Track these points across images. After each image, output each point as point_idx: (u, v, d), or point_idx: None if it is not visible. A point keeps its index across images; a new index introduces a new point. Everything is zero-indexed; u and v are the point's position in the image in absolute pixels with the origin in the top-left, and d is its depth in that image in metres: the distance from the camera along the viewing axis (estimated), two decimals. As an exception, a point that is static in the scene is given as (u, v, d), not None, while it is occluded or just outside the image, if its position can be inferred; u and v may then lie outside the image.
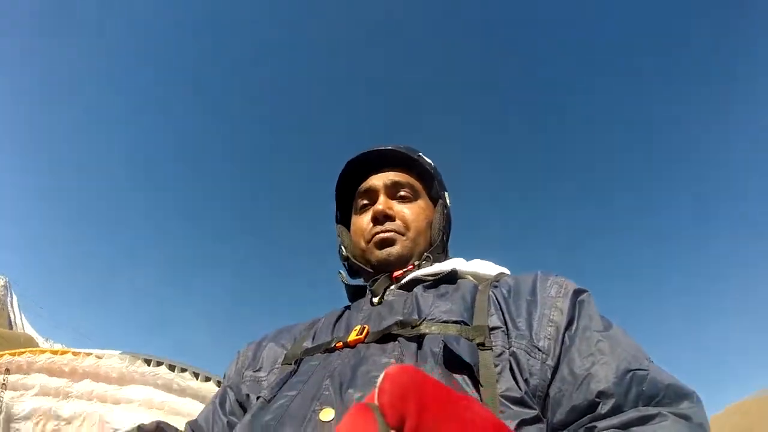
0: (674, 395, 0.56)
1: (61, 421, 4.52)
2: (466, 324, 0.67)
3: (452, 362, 0.60)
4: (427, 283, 0.80)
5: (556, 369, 0.62)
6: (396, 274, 0.83)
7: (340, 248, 0.95)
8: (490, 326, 0.66)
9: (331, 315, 0.85)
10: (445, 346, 0.61)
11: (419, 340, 0.65)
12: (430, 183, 0.95)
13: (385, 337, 0.68)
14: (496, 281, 0.77)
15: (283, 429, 0.58)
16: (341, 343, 0.70)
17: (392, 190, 0.90)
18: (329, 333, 0.78)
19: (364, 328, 0.71)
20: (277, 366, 0.79)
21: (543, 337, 0.64)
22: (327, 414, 0.57)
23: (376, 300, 0.80)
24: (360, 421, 0.29)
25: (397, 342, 0.66)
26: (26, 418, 4.38)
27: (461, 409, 0.31)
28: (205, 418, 0.82)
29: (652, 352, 0.64)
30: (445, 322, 0.67)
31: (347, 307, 0.86)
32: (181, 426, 0.82)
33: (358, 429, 0.29)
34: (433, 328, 0.66)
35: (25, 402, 4.45)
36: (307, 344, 0.78)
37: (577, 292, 0.70)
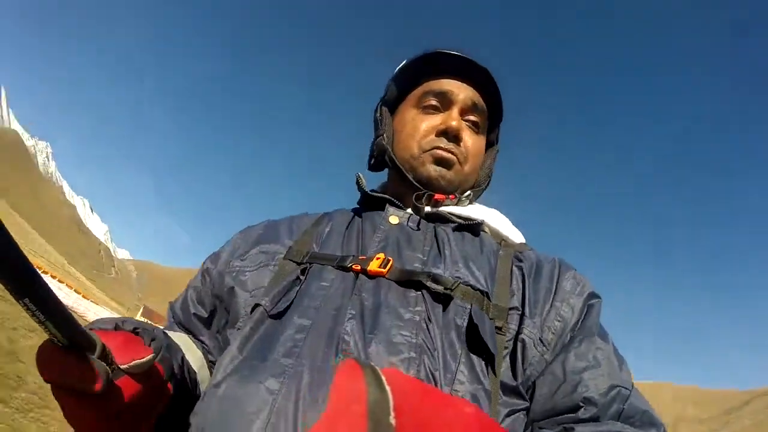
0: (647, 422, 0.58)
1: None
2: (488, 297, 0.64)
3: (475, 344, 0.59)
4: (453, 225, 0.76)
5: (549, 363, 0.62)
6: (438, 196, 0.78)
7: (382, 136, 0.83)
8: (509, 306, 0.64)
9: (340, 218, 0.79)
10: (471, 323, 0.59)
11: (445, 300, 0.62)
12: (496, 124, 0.88)
13: (409, 282, 0.63)
14: (519, 252, 0.74)
15: (301, 375, 0.53)
16: (359, 267, 0.64)
17: (468, 111, 0.82)
18: (339, 242, 0.72)
19: (388, 261, 0.65)
20: (273, 262, 0.72)
21: (549, 329, 0.64)
22: None
23: (386, 223, 0.73)
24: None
25: (421, 294, 0.62)
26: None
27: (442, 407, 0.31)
28: (181, 304, 0.78)
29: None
30: (470, 286, 0.64)
31: (358, 214, 0.79)
32: None
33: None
34: (459, 292, 0.62)
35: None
36: (315, 246, 0.72)
37: (591, 296, 0.69)
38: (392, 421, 0.28)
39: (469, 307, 0.61)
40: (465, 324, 0.60)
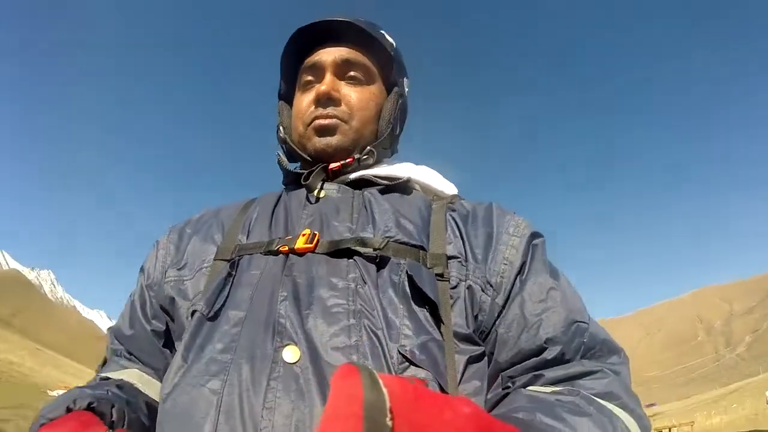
0: (607, 350, 0.61)
1: None
2: (423, 249, 0.64)
3: (415, 296, 0.59)
4: (379, 187, 0.75)
5: (504, 308, 0.62)
6: (332, 166, 0.75)
7: (278, 128, 0.84)
8: (448, 255, 0.64)
9: (266, 202, 0.76)
10: (410, 279, 0.59)
11: (378, 262, 0.61)
12: (388, 66, 0.83)
13: (339, 252, 0.62)
14: (451, 203, 0.73)
15: (240, 368, 0.53)
16: (286, 248, 0.64)
17: (342, 69, 0.79)
18: (266, 227, 0.70)
19: (314, 235, 0.64)
20: (206, 264, 0.69)
21: (496, 273, 0.63)
22: (291, 353, 0.53)
23: (313, 198, 0.72)
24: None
25: (353, 260, 0.61)
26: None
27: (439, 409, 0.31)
28: (129, 323, 0.72)
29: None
30: (403, 243, 0.64)
31: (285, 195, 0.78)
32: None
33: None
34: (390, 250, 0.62)
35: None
36: (242, 238, 0.70)
37: (534, 235, 0.68)
38: (389, 422, 0.28)
39: (404, 262, 0.61)
40: (402, 279, 0.59)
